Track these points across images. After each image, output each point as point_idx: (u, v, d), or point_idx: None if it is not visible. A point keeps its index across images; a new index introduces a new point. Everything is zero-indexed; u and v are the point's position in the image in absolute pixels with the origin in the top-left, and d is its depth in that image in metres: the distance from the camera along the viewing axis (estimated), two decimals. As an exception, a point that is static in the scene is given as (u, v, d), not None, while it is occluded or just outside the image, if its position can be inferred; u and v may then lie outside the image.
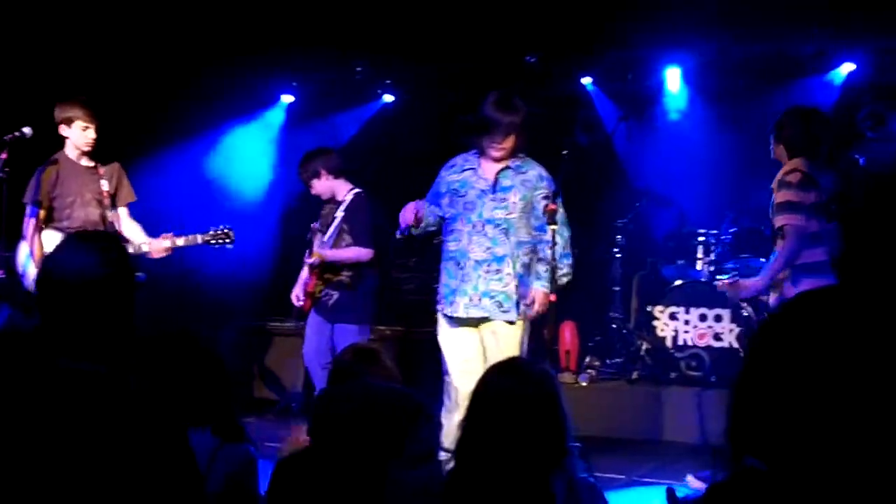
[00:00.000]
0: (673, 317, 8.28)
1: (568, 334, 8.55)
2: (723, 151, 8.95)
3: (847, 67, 8.68)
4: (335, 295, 7.00)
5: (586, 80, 9.54)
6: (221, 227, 6.57)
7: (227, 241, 6.54)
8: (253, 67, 9.64)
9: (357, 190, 7.16)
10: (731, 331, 8.09)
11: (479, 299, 5.41)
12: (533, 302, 5.48)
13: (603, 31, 8.81)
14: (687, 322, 8.23)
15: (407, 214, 5.39)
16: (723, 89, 9.22)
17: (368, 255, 6.95)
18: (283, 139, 10.39)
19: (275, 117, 10.44)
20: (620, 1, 8.40)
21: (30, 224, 6.45)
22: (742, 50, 8.88)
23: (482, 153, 5.59)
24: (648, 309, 8.38)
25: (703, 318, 8.19)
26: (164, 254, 6.55)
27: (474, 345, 5.49)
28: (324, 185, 7.11)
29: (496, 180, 5.53)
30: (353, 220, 7.02)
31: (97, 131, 6.45)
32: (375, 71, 9.97)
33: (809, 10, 8.10)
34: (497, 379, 2.79)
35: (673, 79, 9.30)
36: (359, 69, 9.85)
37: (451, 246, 5.51)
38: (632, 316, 8.98)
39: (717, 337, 8.13)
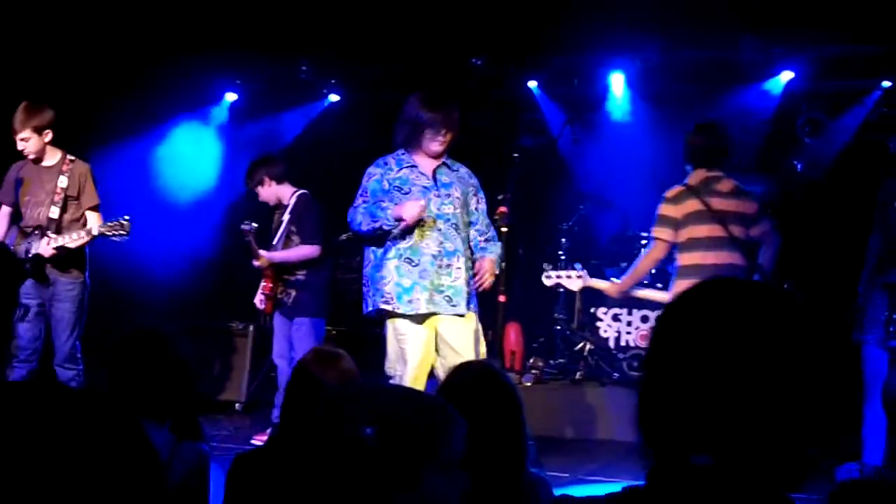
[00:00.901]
0: (616, 318, 8.38)
1: (513, 335, 8.61)
2: (666, 156, 9.06)
3: (786, 75, 8.84)
4: (293, 293, 7.13)
5: (532, 84, 9.61)
6: (118, 218, 6.47)
7: (122, 231, 6.42)
8: (197, 65, 9.55)
9: (300, 192, 7.30)
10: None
11: (432, 295, 5.42)
12: (482, 271, 5.52)
13: (549, 36, 8.89)
14: (629, 323, 8.34)
15: (416, 211, 5.36)
16: (666, 95, 9.34)
17: (315, 251, 7.06)
18: (226, 137, 10.32)
19: (218, 115, 10.36)
20: (566, 6, 8.47)
21: None
22: (684, 56, 9.01)
23: (415, 151, 5.59)
24: (592, 310, 8.47)
25: (644, 319, 8.30)
26: (53, 252, 6.41)
27: (432, 342, 5.50)
28: (268, 191, 7.30)
29: (435, 177, 5.55)
30: (298, 220, 7.16)
31: (25, 141, 6.39)
32: (320, 70, 9.94)
33: (750, 18, 8.24)
34: (466, 384, 2.81)
35: (617, 84, 9.40)
36: (303, 68, 9.82)
37: (402, 244, 5.47)
38: (575, 317, 9.06)
39: (658, 338, 8.21)
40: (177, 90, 9.80)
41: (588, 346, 8.50)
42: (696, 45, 8.86)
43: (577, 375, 8.35)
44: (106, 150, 8.96)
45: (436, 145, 5.53)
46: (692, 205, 5.92)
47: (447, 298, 5.43)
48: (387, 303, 5.43)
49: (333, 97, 10.33)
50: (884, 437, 5.43)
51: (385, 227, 5.39)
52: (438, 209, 5.47)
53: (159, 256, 9.15)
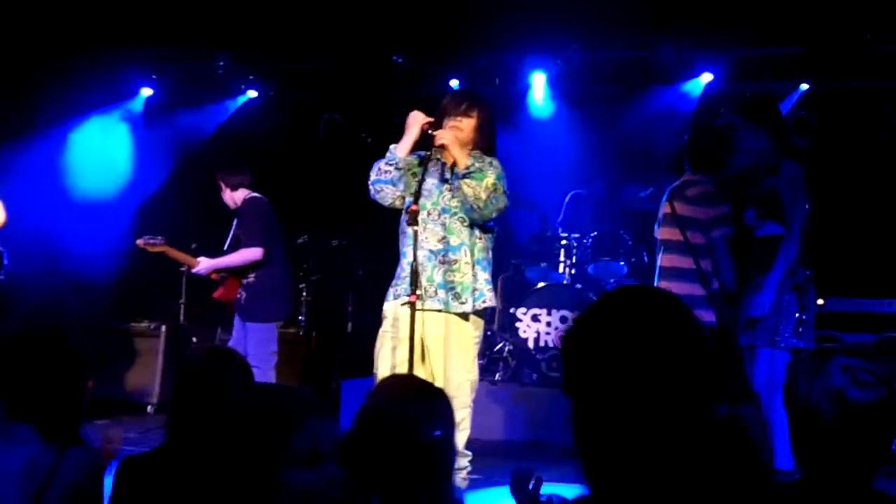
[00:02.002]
0: (535, 318, 8.35)
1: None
2: (586, 156, 9.10)
3: (706, 77, 8.89)
4: (244, 295, 7.18)
5: (454, 83, 9.54)
6: None
7: None
8: (112, 58, 9.34)
9: (249, 196, 7.33)
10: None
11: (436, 291, 5.32)
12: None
13: (471, 35, 8.86)
14: (549, 324, 8.32)
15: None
16: (586, 95, 9.36)
17: (256, 254, 7.08)
18: (141, 133, 10.09)
19: (133, 110, 10.12)
20: (488, 5, 8.44)
21: None
22: (605, 57, 9.05)
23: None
24: (511, 311, 8.43)
25: (564, 319, 8.28)
26: None
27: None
28: (226, 196, 7.40)
29: (453, 169, 5.44)
30: (242, 224, 7.25)
31: None
32: (238, 66, 9.77)
33: (669, 20, 8.29)
34: (401, 400, 2.70)
35: (538, 84, 9.38)
36: (221, 63, 9.64)
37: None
38: (495, 318, 9.02)
39: (577, 339, 8.21)
40: (90, 84, 9.58)
41: (508, 347, 8.47)
42: (616, 47, 8.90)
43: (497, 376, 8.31)
44: (14, 144, 8.72)
45: (453, 132, 5.38)
46: (665, 207, 6.01)
47: (456, 295, 5.33)
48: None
49: (251, 93, 10.15)
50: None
51: (389, 163, 5.34)
52: (447, 203, 5.37)
53: (70, 255, 8.92)
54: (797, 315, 5.57)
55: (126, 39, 8.87)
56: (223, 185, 7.38)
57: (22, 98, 8.84)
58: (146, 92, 10.10)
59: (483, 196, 5.22)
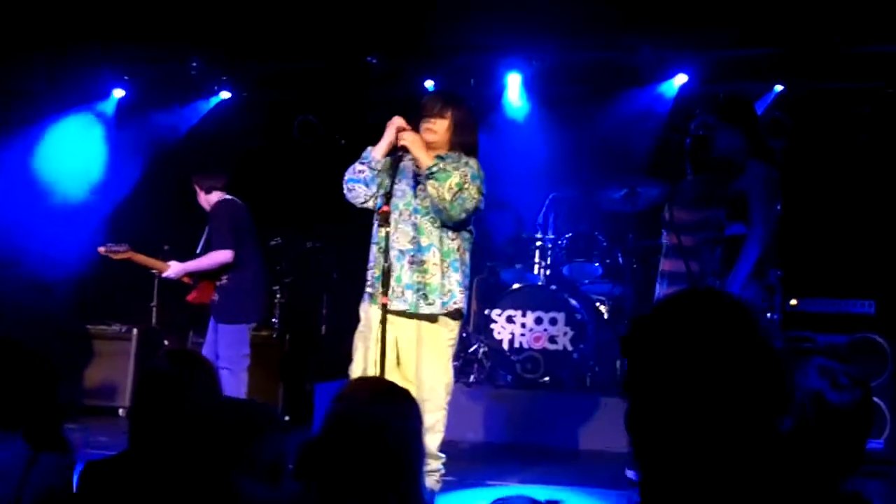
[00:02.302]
0: (510, 320, 8.33)
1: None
2: (561, 157, 9.09)
3: (680, 78, 8.90)
4: (216, 297, 7.17)
5: (429, 84, 9.52)
6: None
7: None
8: (83, 59, 9.27)
9: (219, 199, 7.30)
10: (565, 334, 8.20)
11: (403, 291, 5.29)
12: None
13: (446, 35, 8.84)
14: (523, 325, 8.30)
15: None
16: (561, 96, 9.35)
17: (226, 256, 7.06)
18: (112, 134, 10.01)
19: (105, 111, 10.04)
20: (464, 5, 8.42)
21: None
22: (580, 58, 9.05)
23: None
24: (486, 312, 8.42)
25: (538, 321, 8.27)
26: None
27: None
28: (201, 199, 7.39)
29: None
30: (212, 227, 7.23)
31: None
32: (211, 67, 9.71)
33: (644, 21, 8.29)
34: (367, 403, 2.68)
35: (513, 85, 9.37)
36: (194, 64, 9.58)
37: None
38: (470, 319, 9.00)
39: (551, 340, 8.22)
40: (62, 84, 9.51)
41: (482, 349, 8.45)
42: (591, 48, 8.90)
43: (471, 378, 8.30)
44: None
45: (426, 133, 5.38)
46: (665, 212, 6.00)
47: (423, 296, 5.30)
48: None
49: (224, 94, 10.09)
50: None
51: (362, 162, 5.33)
52: (419, 203, 5.34)
53: (41, 257, 8.85)
54: (767, 316, 5.59)
55: (98, 40, 8.80)
56: (197, 189, 7.37)
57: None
58: (118, 93, 10.01)
59: (447, 196, 5.19)
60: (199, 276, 7.23)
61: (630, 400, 1.70)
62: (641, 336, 1.70)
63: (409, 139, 5.24)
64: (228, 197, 7.34)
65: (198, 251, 7.35)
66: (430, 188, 5.21)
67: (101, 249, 7.24)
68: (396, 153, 5.39)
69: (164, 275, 7.22)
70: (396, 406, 2.65)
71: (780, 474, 1.65)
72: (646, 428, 1.66)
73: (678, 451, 1.61)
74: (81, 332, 8.83)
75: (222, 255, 7.06)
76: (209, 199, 7.33)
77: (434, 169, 5.21)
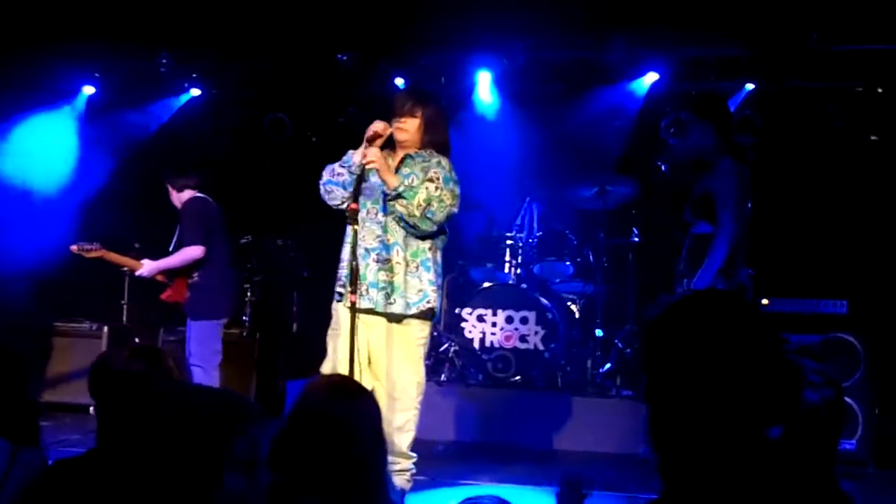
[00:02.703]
0: (481, 319, 8.34)
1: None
2: (531, 155, 9.11)
3: (651, 77, 8.93)
4: (188, 294, 7.18)
5: (399, 81, 9.51)
6: None
7: None
8: (53, 56, 9.19)
9: (188, 197, 7.30)
10: (536, 333, 8.21)
11: (367, 290, 5.27)
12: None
13: (416, 33, 8.83)
14: (494, 324, 8.31)
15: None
16: (532, 94, 9.35)
17: (197, 252, 7.06)
18: (82, 131, 9.94)
19: (75, 109, 9.96)
20: (432, 3, 8.42)
21: None
22: (550, 56, 9.05)
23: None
24: (457, 311, 8.42)
25: (509, 320, 8.29)
26: None
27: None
28: (173, 197, 7.39)
29: (398, 168, 5.39)
30: (182, 224, 7.22)
31: None
32: (181, 64, 9.66)
33: (615, 19, 8.31)
34: (325, 400, 2.69)
35: (484, 83, 9.37)
36: (164, 61, 9.51)
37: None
38: (441, 318, 9.00)
39: (522, 339, 8.24)
40: (31, 82, 9.43)
41: (453, 348, 8.45)
42: (561, 45, 8.90)
43: (442, 377, 8.30)
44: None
45: (396, 132, 5.34)
46: None
47: (385, 295, 5.28)
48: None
49: (195, 91, 10.04)
50: None
51: (343, 166, 5.29)
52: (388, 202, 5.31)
53: (9, 254, 8.78)
54: None
55: (68, 36, 8.73)
56: (170, 188, 7.37)
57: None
58: (88, 90, 9.94)
59: (416, 213, 5.17)
60: (173, 274, 7.20)
61: (652, 407, 1.73)
62: (659, 340, 1.73)
63: (374, 159, 5.17)
64: (199, 195, 7.32)
65: (170, 249, 7.32)
66: (398, 207, 5.19)
67: (74, 248, 7.18)
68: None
69: (138, 273, 7.19)
70: (354, 404, 2.66)
71: (765, 475, 1.69)
72: (670, 434, 1.70)
73: (693, 452, 1.67)
74: (54, 329, 8.77)
75: (193, 252, 7.05)
76: (181, 197, 7.32)
77: (401, 189, 5.19)
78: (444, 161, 5.42)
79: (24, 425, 3.05)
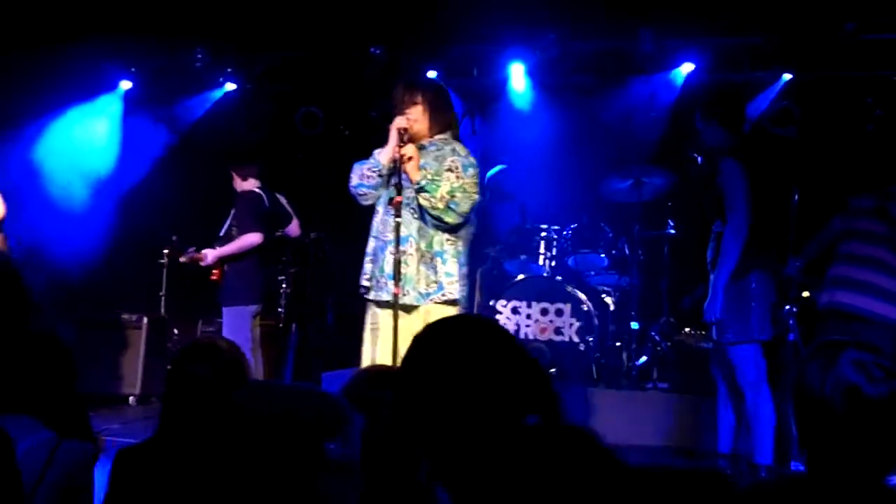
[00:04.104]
0: (515, 311, 8.33)
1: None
2: (566, 147, 9.07)
3: (686, 67, 8.87)
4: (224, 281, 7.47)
5: (432, 74, 9.51)
6: None
7: None
8: (90, 52, 9.27)
9: (249, 188, 7.59)
10: (571, 325, 8.20)
11: (386, 282, 5.29)
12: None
13: (448, 25, 8.82)
14: (529, 316, 8.30)
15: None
16: (566, 86, 9.32)
17: (255, 238, 7.36)
18: (120, 126, 10.03)
19: (112, 104, 10.05)
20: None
21: None
22: (584, 47, 9.01)
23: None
24: (491, 303, 8.41)
25: (544, 312, 8.27)
26: None
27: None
28: (236, 185, 7.67)
29: None
30: (238, 213, 7.49)
31: None
32: (216, 59, 9.71)
33: (650, 9, 8.26)
34: (367, 389, 2.73)
35: (517, 74, 9.35)
36: (199, 56, 9.58)
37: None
38: (475, 310, 9.00)
39: (557, 331, 8.22)
40: (69, 77, 9.51)
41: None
42: (596, 36, 8.86)
43: (477, 369, 8.29)
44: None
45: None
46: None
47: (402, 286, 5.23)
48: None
49: (230, 86, 10.10)
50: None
51: (372, 169, 5.28)
52: (408, 195, 5.26)
53: (50, 248, 8.87)
54: (786, 308, 5.58)
55: (105, 32, 8.80)
56: (234, 174, 7.65)
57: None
58: (125, 85, 10.03)
59: (440, 206, 5.14)
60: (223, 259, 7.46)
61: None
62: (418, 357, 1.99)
63: (413, 154, 5.15)
64: (256, 189, 7.59)
65: (220, 234, 7.54)
66: (422, 201, 5.15)
67: (184, 259, 7.47)
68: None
69: (204, 263, 7.40)
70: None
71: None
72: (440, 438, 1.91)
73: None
74: (94, 321, 8.87)
75: (252, 238, 7.34)
76: (245, 185, 7.61)
77: (423, 182, 5.17)
78: (459, 147, 5.37)
79: (71, 417, 3.09)
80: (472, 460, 1.84)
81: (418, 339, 2.00)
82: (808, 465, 2.35)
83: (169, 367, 3.14)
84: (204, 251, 7.39)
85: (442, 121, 5.40)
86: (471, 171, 5.28)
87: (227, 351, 3.07)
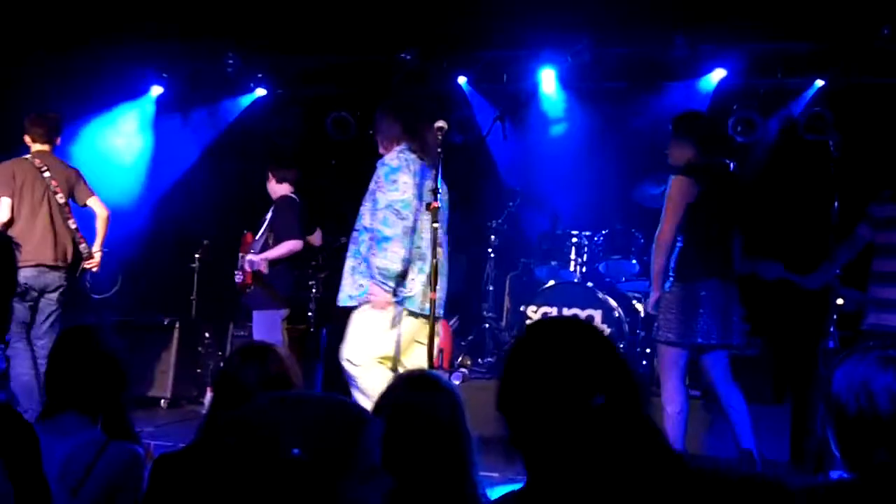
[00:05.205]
0: (545, 317, 8.32)
1: (442, 332, 8.51)
2: (596, 153, 9.05)
3: (719, 73, 8.85)
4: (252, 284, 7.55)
5: (462, 80, 9.52)
6: None
7: None
8: (122, 57, 9.34)
9: (284, 192, 7.72)
10: (601, 332, 8.16)
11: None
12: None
13: (479, 31, 8.83)
14: (559, 322, 8.28)
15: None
16: (597, 92, 9.31)
17: (297, 245, 7.50)
18: (152, 131, 10.09)
19: (144, 108, 10.11)
20: (495, 1, 8.41)
21: None
22: (615, 53, 8.99)
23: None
24: (521, 309, 8.40)
25: (574, 318, 8.24)
26: None
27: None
28: (271, 187, 7.79)
29: None
30: (276, 219, 7.58)
31: None
32: (247, 64, 9.76)
33: (681, 15, 8.24)
34: (406, 392, 2.76)
35: (548, 80, 9.34)
36: (230, 61, 9.62)
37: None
38: (504, 315, 9.01)
39: (588, 337, 8.19)
40: (101, 82, 9.58)
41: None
42: (627, 42, 8.84)
43: (507, 375, 8.28)
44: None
45: None
46: None
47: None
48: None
49: (260, 91, 10.14)
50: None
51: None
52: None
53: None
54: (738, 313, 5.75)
55: (137, 37, 8.86)
56: (271, 176, 7.76)
57: (33, 97, 8.82)
58: (157, 90, 10.09)
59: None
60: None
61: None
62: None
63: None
64: (293, 195, 7.71)
65: (256, 237, 7.61)
66: None
67: (241, 278, 7.56)
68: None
69: (250, 269, 7.48)
70: (432, 395, 2.71)
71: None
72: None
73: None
74: (126, 324, 8.92)
75: (294, 245, 7.46)
76: (279, 188, 7.71)
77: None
78: (381, 171, 5.46)
79: (120, 420, 3.15)
80: (550, 431, 2.09)
81: (523, 338, 2.29)
82: (853, 472, 2.34)
83: (219, 371, 3.19)
84: (251, 261, 7.43)
85: (390, 135, 5.59)
86: (386, 182, 5.41)
87: (277, 359, 3.08)
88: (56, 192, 7.16)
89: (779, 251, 6.45)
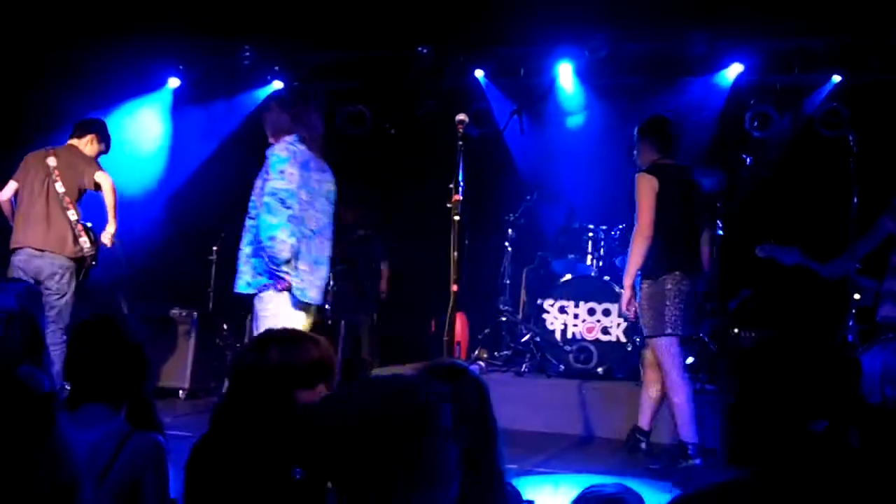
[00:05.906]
0: (562, 310, 8.35)
1: (459, 325, 8.53)
2: (613, 148, 9.06)
3: (735, 68, 8.85)
4: None
5: (479, 74, 9.54)
6: None
7: None
8: (139, 49, 9.37)
9: None
10: (618, 325, 8.21)
11: None
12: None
13: (496, 25, 8.84)
14: (576, 316, 8.32)
15: None
16: (614, 87, 9.32)
17: None
18: (168, 123, 10.12)
19: (161, 101, 10.15)
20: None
21: None
22: (632, 48, 9.00)
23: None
24: (538, 302, 8.43)
25: (591, 312, 8.29)
26: None
27: None
28: None
29: None
30: None
31: None
32: (263, 57, 9.79)
33: (698, 11, 8.25)
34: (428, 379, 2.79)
35: (565, 74, 9.35)
36: (247, 54, 9.66)
37: None
38: (521, 309, 9.03)
39: (605, 331, 8.24)
40: (118, 75, 9.61)
41: (535, 339, 8.47)
42: (644, 37, 8.85)
43: (523, 367, 8.32)
44: (43, 136, 8.75)
45: None
46: None
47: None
48: None
49: (277, 84, 10.17)
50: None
51: None
52: None
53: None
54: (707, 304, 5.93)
55: (153, 30, 8.89)
56: None
57: (52, 89, 8.87)
58: (174, 83, 10.12)
59: None
60: None
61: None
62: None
63: None
64: None
65: None
66: None
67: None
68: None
69: None
70: (455, 382, 2.73)
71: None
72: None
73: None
74: (144, 316, 8.96)
75: None
76: None
77: None
78: (271, 158, 5.53)
79: (144, 410, 3.16)
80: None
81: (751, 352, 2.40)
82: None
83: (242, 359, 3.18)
84: None
85: (277, 130, 5.71)
86: (271, 173, 5.49)
87: (317, 347, 3.10)
88: (56, 181, 7.17)
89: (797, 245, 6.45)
